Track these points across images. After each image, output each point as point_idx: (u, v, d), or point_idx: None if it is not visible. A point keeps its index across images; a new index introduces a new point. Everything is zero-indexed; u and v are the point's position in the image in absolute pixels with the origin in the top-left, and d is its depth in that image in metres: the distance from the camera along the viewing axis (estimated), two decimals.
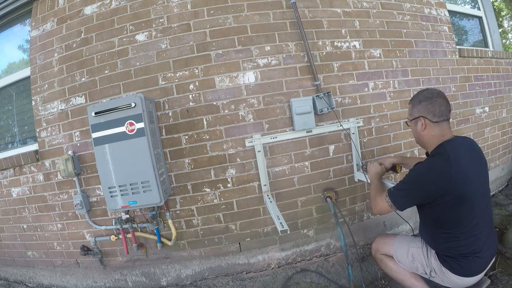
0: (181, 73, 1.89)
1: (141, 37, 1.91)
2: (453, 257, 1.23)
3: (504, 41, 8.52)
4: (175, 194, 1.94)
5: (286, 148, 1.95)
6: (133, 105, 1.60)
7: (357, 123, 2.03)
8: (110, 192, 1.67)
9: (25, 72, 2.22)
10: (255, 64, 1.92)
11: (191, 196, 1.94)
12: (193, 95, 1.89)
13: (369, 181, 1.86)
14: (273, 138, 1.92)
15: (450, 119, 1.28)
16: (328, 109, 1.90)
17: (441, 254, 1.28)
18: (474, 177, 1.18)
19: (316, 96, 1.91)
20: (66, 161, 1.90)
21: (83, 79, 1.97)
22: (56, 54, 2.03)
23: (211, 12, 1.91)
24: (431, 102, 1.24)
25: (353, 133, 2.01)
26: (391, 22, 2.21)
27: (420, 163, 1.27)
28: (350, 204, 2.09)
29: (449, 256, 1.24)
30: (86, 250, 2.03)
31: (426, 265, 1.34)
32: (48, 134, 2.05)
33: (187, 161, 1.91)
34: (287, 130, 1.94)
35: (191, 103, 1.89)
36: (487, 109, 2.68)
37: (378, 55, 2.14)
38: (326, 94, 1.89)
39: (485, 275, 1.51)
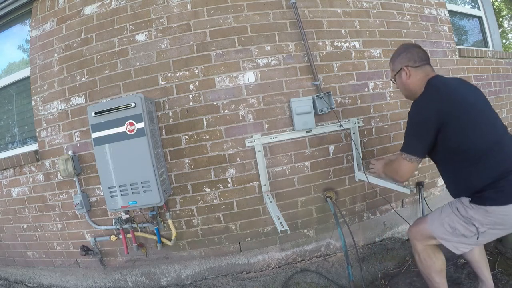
0: (181, 73, 1.89)
1: (141, 37, 1.91)
2: (489, 187, 1.13)
3: (504, 41, 8.52)
4: (175, 194, 1.94)
5: (286, 148, 1.95)
6: (133, 105, 1.60)
7: (357, 123, 2.03)
8: (110, 192, 1.67)
9: (25, 72, 2.21)
10: (255, 64, 1.92)
11: (191, 196, 1.93)
12: (193, 95, 1.89)
13: (369, 181, 1.87)
14: (273, 138, 1.92)
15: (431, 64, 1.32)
16: (328, 109, 1.89)
17: (476, 194, 1.16)
18: (469, 97, 1.20)
19: (316, 96, 1.91)
20: (66, 161, 1.89)
21: (83, 79, 1.97)
22: (56, 54, 2.03)
23: (211, 12, 1.91)
24: (409, 51, 1.32)
25: (354, 133, 2.01)
26: (391, 22, 2.21)
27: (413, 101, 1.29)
28: (350, 204, 2.09)
29: (485, 189, 1.13)
30: (86, 250, 2.03)
31: (467, 223, 1.20)
32: (48, 134, 2.05)
33: (187, 161, 1.91)
34: (287, 130, 1.94)
35: (191, 103, 1.89)
36: None
37: (378, 55, 2.14)
38: (326, 94, 1.89)
39: None
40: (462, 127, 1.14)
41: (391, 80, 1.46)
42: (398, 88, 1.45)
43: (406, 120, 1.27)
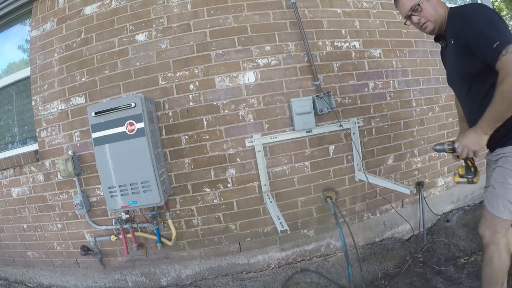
0: (181, 73, 1.89)
1: (141, 37, 1.91)
2: None
3: None
4: (175, 194, 1.94)
5: (286, 148, 1.95)
6: (133, 105, 1.60)
7: (357, 123, 2.03)
8: (110, 192, 1.68)
9: (25, 72, 2.21)
10: (255, 64, 1.92)
11: (191, 196, 1.93)
12: (193, 95, 1.89)
13: (369, 181, 1.87)
14: (273, 138, 1.92)
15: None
16: (328, 109, 1.89)
17: None
18: None
19: (316, 96, 1.90)
20: (66, 161, 1.89)
21: (83, 79, 1.97)
22: (56, 54, 2.03)
23: (211, 12, 1.91)
24: None
25: (354, 133, 2.01)
26: (391, 22, 2.21)
27: (460, 10, 1.15)
28: (350, 204, 2.09)
29: None
30: (86, 250, 2.03)
31: None
32: (48, 134, 2.05)
33: (187, 161, 1.91)
34: (287, 130, 1.94)
35: (191, 103, 1.89)
36: None
37: (378, 55, 2.14)
38: (326, 94, 1.89)
39: None
40: None
41: (410, 13, 1.24)
42: (419, 20, 1.24)
43: (474, 25, 1.05)
